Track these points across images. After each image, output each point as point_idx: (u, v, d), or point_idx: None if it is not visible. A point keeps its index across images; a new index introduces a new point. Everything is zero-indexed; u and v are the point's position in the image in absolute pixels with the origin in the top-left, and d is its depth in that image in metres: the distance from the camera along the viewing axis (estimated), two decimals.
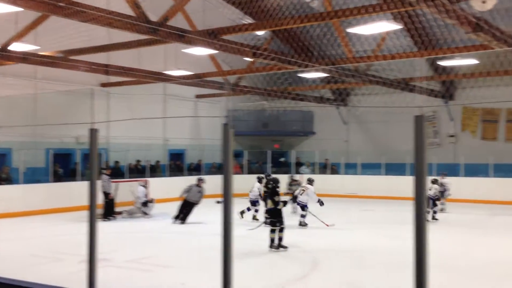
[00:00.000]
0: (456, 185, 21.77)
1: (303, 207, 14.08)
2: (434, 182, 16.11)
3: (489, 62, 19.91)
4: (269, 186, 11.27)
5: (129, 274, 8.86)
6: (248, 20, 21.08)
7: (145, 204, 16.67)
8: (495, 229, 14.52)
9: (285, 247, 10.77)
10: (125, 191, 16.88)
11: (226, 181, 5.17)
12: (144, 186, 17.00)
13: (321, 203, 14.12)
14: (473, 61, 18.84)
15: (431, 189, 15.61)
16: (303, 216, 14.10)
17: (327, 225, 13.88)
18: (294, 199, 14.37)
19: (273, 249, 10.71)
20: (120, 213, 16.64)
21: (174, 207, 18.97)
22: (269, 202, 11.04)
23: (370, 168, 24.17)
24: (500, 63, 19.51)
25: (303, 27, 22.33)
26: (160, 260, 9.96)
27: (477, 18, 12.41)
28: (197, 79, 20.57)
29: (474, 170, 21.97)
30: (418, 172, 3.81)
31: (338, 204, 19.37)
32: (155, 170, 22.40)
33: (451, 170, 23.38)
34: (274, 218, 10.83)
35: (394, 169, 23.12)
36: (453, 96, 24.67)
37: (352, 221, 15.78)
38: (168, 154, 24.05)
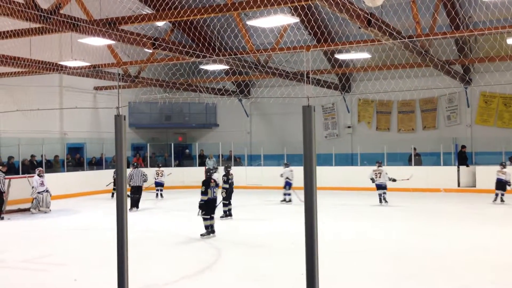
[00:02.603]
0: (353, 174, 22.86)
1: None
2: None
3: (382, 56, 20.93)
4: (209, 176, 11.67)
5: (21, 274, 8.43)
6: (148, 10, 20.63)
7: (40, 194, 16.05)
8: (388, 214, 15.29)
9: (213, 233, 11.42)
10: (18, 188, 16.03)
11: (120, 174, 5.05)
12: (40, 175, 16.28)
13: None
14: (366, 55, 19.71)
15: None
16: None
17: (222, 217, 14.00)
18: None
19: (209, 236, 11.24)
20: (11, 211, 15.79)
21: (73, 203, 18.32)
22: (209, 191, 11.39)
23: (273, 159, 24.66)
24: (392, 57, 20.57)
25: (205, 19, 22.25)
26: (55, 258, 9.59)
27: (368, 13, 12.98)
28: (94, 70, 19.85)
29: (370, 159, 23.03)
30: (307, 161, 3.91)
31: (242, 195, 19.56)
32: (53, 166, 21.40)
33: (349, 160, 24.44)
34: (211, 208, 11.42)
35: (296, 160, 23.74)
36: (349, 88, 25.71)
37: (255, 212, 16.04)
38: (66, 148, 23.05)
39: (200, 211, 11.43)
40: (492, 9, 17.71)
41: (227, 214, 14.13)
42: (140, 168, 17.63)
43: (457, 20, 18.90)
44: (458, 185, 21.12)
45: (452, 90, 23.19)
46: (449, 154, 22.20)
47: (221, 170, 17.13)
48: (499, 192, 17.09)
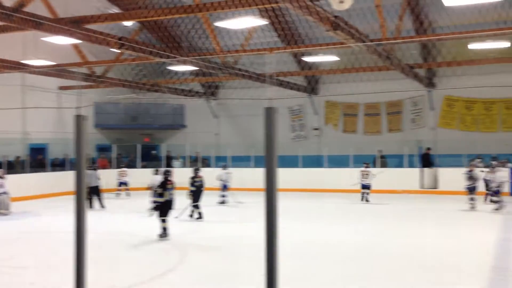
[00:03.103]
0: (320, 176, 23.03)
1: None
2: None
3: (348, 59, 21.17)
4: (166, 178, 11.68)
5: None
6: (115, 9, 20.41)
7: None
8: (355, 216, 15.45)
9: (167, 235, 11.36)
10: None
11: (79, 176, 4.95)
12: (1, 177, 15.91)
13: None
14: (334, 58, 19.90)
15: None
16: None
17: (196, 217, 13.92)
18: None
19: (164, 238, 11.20)
20: None
21: (34, 205, 17.93)
22: (166, 193, 11.38)
23: (240, 160, 24.63)
24: (358, 60, 20.83)
25: (173, 20, 22.10)
26: (14, 261, 9.37)
27: (335, 16, 13.10)
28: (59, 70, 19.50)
29: (337, 161, 23.25)
30: (269, 162, 3.90)
31: (210, 197, 19.45)
32: (14, 167, 20.91)
33: (316, 162, 24.60)
34: (167, 209, 11.38)
35: (263, 161, 23.81)
36: (317, 91, 25.90)
37: (223, 213, 16.00)
38: (29, 149, 22.57)
39: (153, 212, 11.41)
40: (455, 15, 18.14)
41: (198, 216, 14.05)
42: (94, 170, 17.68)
43: (422, 25, 19.27)
44: (421, 187, 21.49)
45: (416, 94, 23.60)
46: (413, 156, 22.58)
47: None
48: (489, 192, 17.39)
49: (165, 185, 11.37)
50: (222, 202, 18.02)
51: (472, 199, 15.77)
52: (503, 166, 17.43)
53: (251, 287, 7.31)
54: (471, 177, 15.82)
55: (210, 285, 7.63)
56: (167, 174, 11.69)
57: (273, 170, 3.83)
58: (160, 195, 11.30)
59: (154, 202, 11.58)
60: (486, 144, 21.10)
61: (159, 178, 16.02)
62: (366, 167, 19.04)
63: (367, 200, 18.27)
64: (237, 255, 9.69)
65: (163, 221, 11.36)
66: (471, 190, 15.80)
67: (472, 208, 15.60)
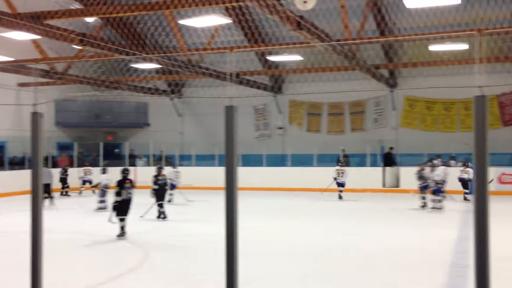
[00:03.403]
0: (284, 175, 23.15)
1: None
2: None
3: (312, 59, 21.32)
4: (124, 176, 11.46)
5: None
6: (76, 5, 20.01)
7: None
8: (318, 215, 15.57)
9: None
10: None
11: (35, 175, 4.84)
12: None
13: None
14: (298, 57, 20.02)
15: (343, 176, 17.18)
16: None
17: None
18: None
19: (122, 238, 11.05)
20: None
21: None
22: (123, 192, 11.16)
23: (205, 159, 24.54)
24: (322, 60, 21.00)
25: (137, 16, 21.85)
26: None
27: (299, 16, 13.17)
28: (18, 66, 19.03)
29: (300, 161, 23.40)
30: (229, 161, 3.89)
31: (174, 195, 19.31)
32: None
33: (280, 160, 24.71)
34: (125, 208, 11.18)
35: None
36: (282, 90, 26.01)
37: (184, 212, 15.91)
38: None
39: (114, 214, 11.26)
40: (416, 17, 18.47)
41: (162, 215, 13.91)
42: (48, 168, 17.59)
43: (385, 26, 19.55)
44: (383, 186, 21.83)
45: (379, 94, 23.96)
46: (376, 156, 22.93)
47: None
48: (464, 191, 18.04)
49: (123, 184, 11.20)
50: (169, 201, 17.81)
51: (423, 198, 16.09)
52: (445, 165, 17.91)
53: (212, 285, 7.28)
54: (421, 177, 16.15)
55: (172, 284, 7.56)
56: (125, 172, 11.52)
57: (233, 169, 3.82)
58: (118, 194, 11.14)
59: (113, 202, 11.34)
60: (446, 144, 21.58)
61: (106, 177, 16.15)
62: (341, 165, 19.57)
63: (340, 197, 18.77)
64: (200, 254, 9.63)
65: (121, 220, 11.20)
66: (422, 189, 16.12)
67: (423, 206, 15.87)
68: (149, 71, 24.04)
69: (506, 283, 7.17)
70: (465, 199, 17.91)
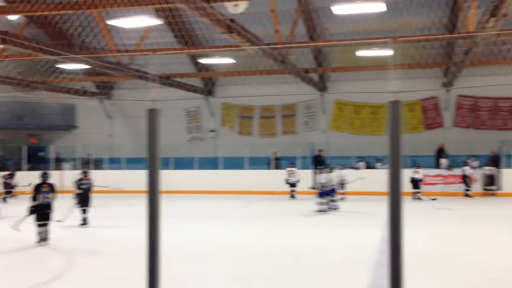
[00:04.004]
0: (216, 177, 23.12)
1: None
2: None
3: (244, 62, 21.45)
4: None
5: None
6: None
7: None
8: (248, 217, 15.64)
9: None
10: None
11: None
12: None
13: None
14: (230, 60, 20.08)
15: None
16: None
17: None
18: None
19: (42, 244, 10.67)
20: None
21: None
22: (39, 196, 10.75)
23: (135, 162, 24.10)
24: (253, 63, 21.15)
25: (64, 15, 21.15)
26: None
27: (230, 19, 13.22)
28: None
29: (232, 163, 23.46)
30: (152, 163, 3.84)
31: (102, 199, 18.84)
32: None
33: (212, 163, 24.67)
34: (43, 213, 10.77)
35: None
36: (214, 93, 25.99)
37: (115, 217, 15.55)
38: None
39: (23, 220, 10.84)
40: (344, 23, 18.97)
41: (83, 222, 13.47)
42: None
43: (313, 31, 19.96)
44: (313, 188, 22.20)
45: (309, 97, 24.43)
46: (306, 158, 23.34)
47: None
48: (415, 190, 19.19)
49: (39, 188, 10.78)
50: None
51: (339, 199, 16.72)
52: (343, 168, 18.71)
53: None
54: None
55: None
56: (44, 176, 11.08)
57: (156, 172, 3.77)
58: (34, 198, 10.72)
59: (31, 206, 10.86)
60: (373, 147, 22.27)
61: (14, 182, 15.65)
62: (292, 166, 20.44)
63: (293, 197, 19.83)
64: (125, 259, 9.44)
65: (40, 226, 10.75)
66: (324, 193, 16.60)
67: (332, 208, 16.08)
68: (77, 72, 23.35)
69: (421, 280, 7.49)
70: (418, 198, 19.04)
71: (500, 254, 9.43)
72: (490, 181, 20.26)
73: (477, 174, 20.48)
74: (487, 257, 9.17)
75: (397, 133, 3.40)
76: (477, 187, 20.38)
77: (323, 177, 16.02)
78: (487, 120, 23.07)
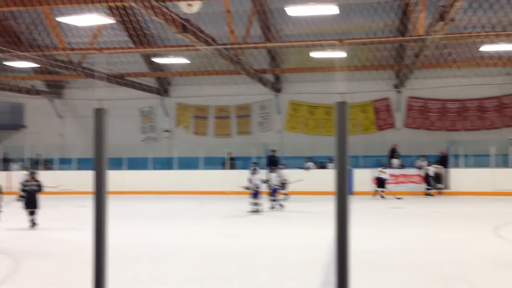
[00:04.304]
0: (171, 177, 22.93)
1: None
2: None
3: (199, 62, 21.36)
4: None
5: None
6: None
7: None
8: (202, 217, 15.57)
9: None
10: None
11: None
12: None
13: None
14: (184, 60, 19.95)
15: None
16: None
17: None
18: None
19: None
20: None
21: None
22: None
23: (87, 163, 23.61)
24: (208, 63, 21.11)
25: (11, 11, 20.52)
26: None
27: (184, 19, 13.13)
28: None
29: (187, 163, 23.31)
30: (98, 164, 3.77)
31: (52, 201, 18.41)
32: None
33: (166, 164, 24.46)
34: None
35: (112, 163, 23.14)
36: (168, 93, 25.75)
37: (64, 218, 15.20)
38: None
39: None
40: (299, 25, 19.16)
41: (31, 224, 13.07)
42: None
43: (268, 31, 20.06)
44: (268, 188, 22.28)
45: (264, 98, 24.54)
46: (261, 158, 23.42)
47: None
48: (379, 189, 19.92)
49: None
50: None
51: (273, 200, 16.61)
52: (284, 169, 19.01)
53: None
54: (266, 181, 16.76)
55: None
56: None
57: (102, 173, 3.70)
58: None
59: None
60: (327, 147, 22.55)
61: None
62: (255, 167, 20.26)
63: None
64: (74, 261, 9.24)
65: None
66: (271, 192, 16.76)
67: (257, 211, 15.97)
68: (26, 70, 22.70)
69: (367, 274, 7.64)
70: (382, 197, 19.73)
71: (451, 253, 9.69)
72: (438, 180, 20.87)
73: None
74: (437, 255, 9.41)
75: (343, 133, 3.45)
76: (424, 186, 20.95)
77: (257, 178, 16.10)
78: (436, 121, 23.74)
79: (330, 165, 22.52)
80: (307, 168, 22.40)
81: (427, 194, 20.46)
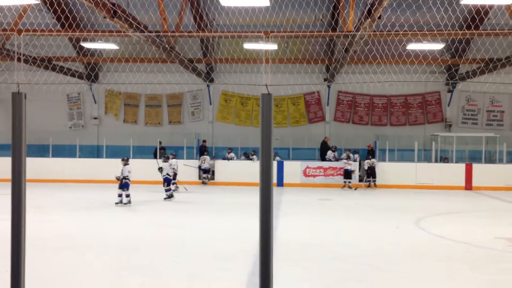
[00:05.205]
0: (99, 166, 22.38)
1: None
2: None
3: (129, 49, 20.89)
4: None
5: None
6: None
7: None
8: (131, 207, 15.32)
9: None
10: None
11: None
12: None
13: None
14: (114, 46, 19.45)
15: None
16: None
17: None
18: None
19: None
20: None
21: None
22: None
23: (5, 149, 22.62)
24: (139, 50, 20.67)
25: None
26: None
27: (113, 4, 12.80)
28: None
29: (117, 152, 22.81)
30: (16, 153, 3.63)
31: None
32: None
33: (95, 152, 23.84)
34: None
35: (37, 150, 22.30)
36: (97, 79, 25.05)
37: None
38: None
39: None
40: (232, 15, 19.14)
41: None
42: None
43: (200, 20, 19.90)
44: (199, 178, 22.26)
45: (196, 87, 24.38)
46: (193, 149, 23.34)
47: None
48: (347, 180, 21.04)
49: None
50: None
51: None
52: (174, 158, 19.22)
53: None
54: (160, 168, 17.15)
55: None
56: None
57: (21, 160, 3.57)
58: None
59: None
60: (257, 138, 22.73)
61: None
62: (207, 154, 22.10)
63: (204, 183, 21.60)
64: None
65: None
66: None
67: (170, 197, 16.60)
68: None
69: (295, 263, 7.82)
70: (349, 187, 20.91)
71: (376, 244, 10.05)
72: (371, 173, 21.47)
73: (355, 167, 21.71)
74: (363, 245, 9.73)
75: (268, 124, 3.50)
76: (356, 179, 21.59)
77: (166, 165, 16.85)
78: (364, 115, 24.47)
79: (254, 156, 22.74)
80: (230, 159, 22.62)
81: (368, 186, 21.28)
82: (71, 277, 7.25)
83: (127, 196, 15.23)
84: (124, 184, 15.26)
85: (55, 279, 7.06)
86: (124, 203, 15.12)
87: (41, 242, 9.18)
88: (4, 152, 22.39)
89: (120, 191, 15.27)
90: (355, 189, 20.70)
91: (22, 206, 3.59)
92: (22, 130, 3.59)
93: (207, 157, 21.87)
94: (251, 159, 22.50)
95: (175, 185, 18.35)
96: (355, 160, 21.64)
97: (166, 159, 17.11)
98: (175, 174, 18.32)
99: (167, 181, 16.83)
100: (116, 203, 15.12)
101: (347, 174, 21.11)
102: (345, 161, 21.26)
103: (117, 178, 15.41)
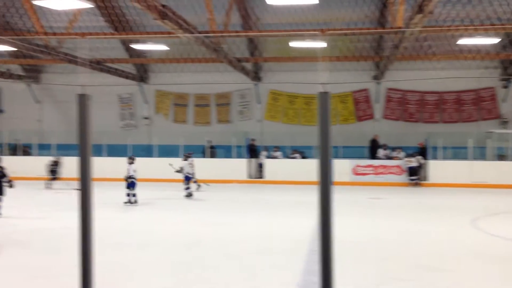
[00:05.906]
0: (150, 165, 22.80)
1: None
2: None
3: (178, 50, 21.23)
4: None
5: None
6: None
7: None
8: (185, 205, 15.57)
9: None
10: None
11: None
12: None
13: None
14: (163, 47, 19.80)
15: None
16: None
17: None
18: None
19: None
20: None
21: None
22: None
23: (67, 149, 23.37)
24: (189, 51, 20.99)
25: None
26: None
27: (163, 5, 13.03)
28: None
29: (167, 151, 23.22)
30: (82, 150, 3.77)
31: (31, 186, 18.26)
32: None
33: (146, 151, 24.33)
34: None
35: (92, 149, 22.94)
36: (147, 79, 25.57)
37: (47, 204, 15.10)
38: None
39: None
40: (278, 14, 19.17)
41: None
42: None
43: (248, 20, 20.02)
44: (249, 177, 22.37)
45: (244, 86, 24.51)
46: (241, 147, 23.46)
47: None
48: (414, 178, 20.57)
49: None
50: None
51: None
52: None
53: (68, 279, 7.01)
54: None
55: (31, 280, 7.15)
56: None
57: (87, 160, 3.70)
58: None
59: None
60: (306, 137, 22.67)
61: None
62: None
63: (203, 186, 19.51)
64: (52, 248, 9.20)
65: None
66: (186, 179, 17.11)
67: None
68: (2, 54, 22.31)
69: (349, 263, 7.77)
70: (416, 184, 20.51)
71: (430, 244, 9.86)
72: (415, 172, 21.11)
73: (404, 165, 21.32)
74: (417, 246, 9.57)
75: (326, 123, 3.50)
76: (404, 177, 21.19)
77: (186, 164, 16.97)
78: (414, 113, 24.00)
79: (297, 155, 22.58)
80: (275, 157, 22.54)
81: (416, 184, 20.74)
82: (140, 272, 7.45)
83: (134, 195, 15.19)
84: (130, 183, 15.26)
85: (121, 275, 7.26)
86: (131, 203, 15.09)
87: (104, 239, 9.46)
88: (62, 152, 23.21)
89: (127, 191, 15.25)
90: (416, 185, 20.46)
91: (89, 204, 3.73)
92: (88, 130, 3.72)
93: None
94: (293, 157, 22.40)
95: (196, 183, 18.25)
96: (405, 159, 21.22)
97: (186, 158, 17.19)
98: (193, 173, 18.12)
99: (187, 180, 16.94)
100: (125, 203, 15.08)
101: (413, 171, 20.75)
102: (406, 158, 20.95)
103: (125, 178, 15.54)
